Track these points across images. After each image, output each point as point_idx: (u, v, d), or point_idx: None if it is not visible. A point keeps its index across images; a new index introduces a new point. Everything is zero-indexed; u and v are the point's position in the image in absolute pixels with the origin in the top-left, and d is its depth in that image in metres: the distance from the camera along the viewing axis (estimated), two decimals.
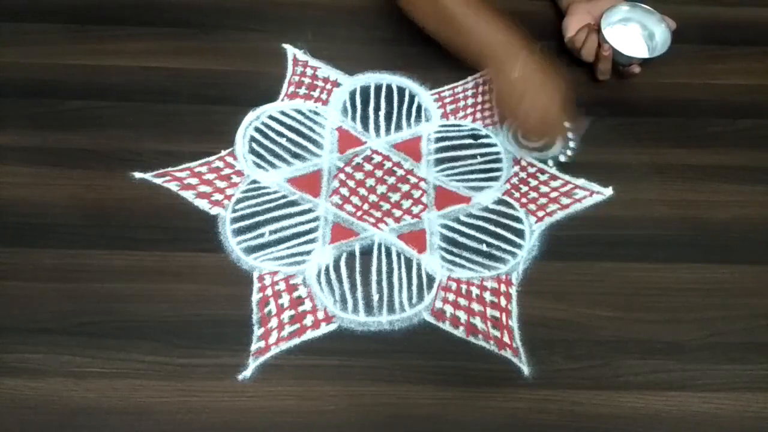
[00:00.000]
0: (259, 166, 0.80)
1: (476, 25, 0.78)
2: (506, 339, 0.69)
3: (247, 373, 0.66)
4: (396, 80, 0.88)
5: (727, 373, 0.68)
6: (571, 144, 0.83)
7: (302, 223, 0.75)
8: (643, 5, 0.87)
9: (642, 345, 0.69)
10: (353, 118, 0.85)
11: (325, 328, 0.69)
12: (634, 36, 0.88)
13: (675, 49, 0.85)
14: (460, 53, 0.81)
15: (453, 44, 0.81)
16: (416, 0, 0.82)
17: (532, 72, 0.76)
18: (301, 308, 0.70)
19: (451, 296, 0.72)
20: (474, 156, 0.82)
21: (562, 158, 0.82)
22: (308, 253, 0.74)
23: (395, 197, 0.78)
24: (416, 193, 0.79)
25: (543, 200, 0.79)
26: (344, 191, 0.78)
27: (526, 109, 0.76)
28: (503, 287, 0.72)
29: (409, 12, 0.84)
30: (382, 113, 0.85)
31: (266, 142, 0.82)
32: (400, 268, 0.73)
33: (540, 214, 0.77)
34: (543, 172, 0.81)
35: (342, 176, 0.79)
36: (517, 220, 0.77)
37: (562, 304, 0.72)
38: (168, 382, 0.65)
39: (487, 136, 0.84)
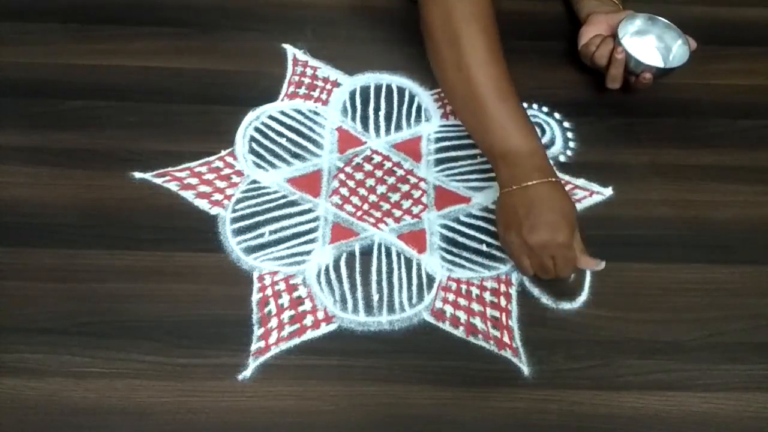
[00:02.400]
0: (259, 166, 0.80)
1: (501, 122, 0.69)
2: (506, 339, 0.69)
3: (247, 373, 0.66)
4: (396, 80, 0.88)
5: (727, 373, 0.68)
6: (571, 144, 0.83)
7: (302, 223, 0.75)
8: (662, 19, 0.86)
9: (642, 345, 0.69)
10: (353, 118, 0.85)
11: (325, 328, 0.69)
12: (651, 48, 0.86)
13: None
14: (474, 137, 0.73)
15: (472, 129, 0.73)
16: (450, 72, 0.72)
17: (544, 185, 0.68)
18: (301, 308, 0.70)
19: (451, 296, 0.72)
20: (474, 156, 0.82)
21: (562, 158, 0.82)
22: (308, 253, 0.74)
23: (395, 197, 0.78)
24: (416, 193, 0.79)
25: None
26: (344, 191, 0.78)
27: (532, 223, 0.66)
28: (503, 287, 0.72)
29: (438, 79, 0.75)
30: (382, 113, 0.85)
31: (266, 142, 0.82)
32: (400, 268, 0.73)
33: None
34: None
35: (342, 176, 0.79)
36: None
37: (562, 304, 0.72)
38: (168, 382, 0.65)
39: None
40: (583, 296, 0.72)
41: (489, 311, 0.71)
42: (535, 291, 0.72)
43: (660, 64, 0.85)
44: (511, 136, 0.69)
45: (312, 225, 0.75)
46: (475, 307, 0.71)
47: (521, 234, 0.67)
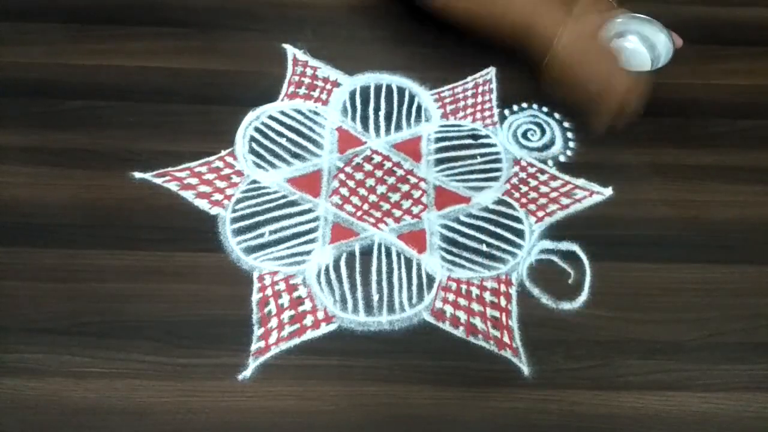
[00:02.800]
0: (259, 166, 0.80)
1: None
2: (506, 339, 0.69)
3: (247, 373, 0.66)
4: (396, 80, 0.88)
5: (727, 373, 0.68)
6: (571, 144, 0.83)
7: (302, 223, 0.76)
8: (642, 16, 0.83)
9: (642, 345, 0.70)
10: (353, 118, 0.85)
11: (325, 328, 0.69)
12: (636, 48, 0.85)
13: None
14: (493, 29, 0.75)
15: (486, 18, 0.75)
16: None
17: (582, 36, 0.71)
18: (301, 308, 0.70)
19: (451, 296, 0.72)
20: (474, 156, 0.82)
21: (562, 158, 0.82)
22: (308, 253, 0.74)
23: (395, 197, 0.78)
24: (416, 193, 0.79)
25: (543, 200, 0.79)
26: (344, 191, 0.78)
27: (587, 75, 0.71)
28: (503, 287, 0.73)
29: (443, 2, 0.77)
30: (382, 113, 0.85)
31: (266, 142, 0.82)
32: (400, 268, 0.73)
33: (540, 214, 0.77)
34: (543, 172, 0.81)
35: (342, 176, 0.79)
36: (517, 220, 0.77)
37: (562, 305, 0.72)
38: (168, 382, 0.65)
39: (487, 136, 0.84)
40: (583, 296, 0.72)
41: (489, 311, 0.71)
42: (535, 291, 0.72)
43: (644, 68, 0.84)
44: (528, 3, 0.72)
45: (312, 225, 0.76)
46: (475, 307, 0.71)
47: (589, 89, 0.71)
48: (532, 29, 0.73)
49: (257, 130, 0.82)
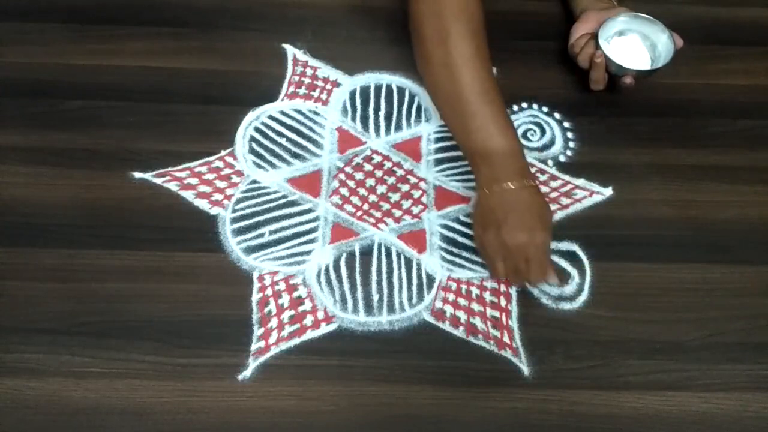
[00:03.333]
0: (259, 166, 0.80)
1: (485, 123, 0.68)
2: (506, 339, 0.69)
3: (247, 373, 0.66)
4: (396, 80, 0.88)
5: (727, 372, 0.68)
6: (571, 144, 0.83)
7: (302, 223, 0.76)
8: (645, 15, 0.84)
9: (642, 345, 0.70)
10: (353, 118, 0.85)
11: (325, 328, 0.69)
12: (637, 47, 0.85)
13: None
14: (456, 136, 0.72)
15: (454, 129, 0.72)
16: (435, 70, 0.71)
17: (523, 189, 0.68)
18: (301, 308, 0.70)
19: (451, 296, 0.72)
20: None
21: (562, 158, 0.82)
22: (308, 253, 0.74)
23: (395, 197, 0.78)
24: (416, 193, 0.79)
25: None
26: (344, 191, 0.78)
27: (511, 224, 0.67)
28: (503, 287, 0.72)
29: (423, 76, 0.75)
30: (382, 113, 0.85)
31: (266, 142, 0.82)
32: (400, 268, 0.73)
33: None
34: (543, 172, 0.81)
35: (342, 176, 0.79)
36: None
37: (562, 304, 0.72)
38: (168, 382, 0.65)
39: None
40: (583, 296, 0.72)
41: (489, 311, 0.71)
42: (535, 291, 0.72)
43: (643, 66, 0.83)
44: (493, 136, 0.69)
45: (312, 225, 0.76)
46: (475, 307, 0.71)
47: (500, 234, 0.68)
48: (475, 165, 0.70)
49: (257, 130, 0.82)
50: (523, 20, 0.95)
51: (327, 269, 0.73)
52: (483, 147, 0.69)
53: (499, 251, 0.69)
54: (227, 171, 0.79)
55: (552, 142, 0.83)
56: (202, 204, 0.76)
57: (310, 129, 0.83)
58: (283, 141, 0.82)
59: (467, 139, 0.71)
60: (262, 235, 0.74)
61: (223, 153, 0.80)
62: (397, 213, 0.77)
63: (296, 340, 0.68)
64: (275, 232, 0.75)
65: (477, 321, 0.70)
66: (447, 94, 0.72)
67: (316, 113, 0.85)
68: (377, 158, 0.81)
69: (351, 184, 0.79)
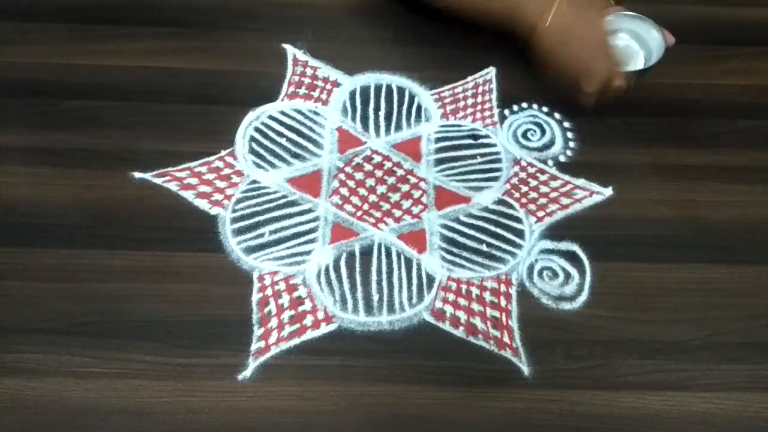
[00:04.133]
0: (259, 166, 0.80)
1: None
2: (506, 339, 0.69)
3: (247, 373, 0.66)
4: (396, 80, 0.88)
5: (727, 372, 0.68)
6: (571, 144, 0.83)
7: (302, 223, 0.76)
8: (635, 14, 0.83)
9: (642, 345, 0.70)
10: (353, 118, 0.85)
11: (325, 328, 0.69)
12: (628, 46, 0.84)
13: (675, 49, 0.85)
14: (484, 14, 0.78)
15: (473, 4, 0.78)
16: None
17: (567, 15, 0.75)
18: (301, 308, 0.70)
19: (451, 296, 0.72)
20: (474, 156, 0.82)
21: (562, 158, 0.82)
22: (308, 253, 0.74)
23: (395, 197, 0.78)
24: (416, 193, 0.79)
25: (543, 200, 0.79)
26: (344, 191, 0.78)
27: (572, 53, 0.74)
28: (503, 287, 0.72)
29: None
30: (382, 113, 0.85)
31: (266, 142, 0.82)
32: (400, 268, 0.73)
33: (540, 214, 0.77)
34: (543, 172, 0.81)
35: (342, 176, 0.79)
36: (517, 220, 0.77)
37: (562, 304, 0.72)
38: (168, 382, 0.65)
39: (487, 136, 0.84)
40: (583, 296, 0.72)
41: (489, 311, 0.71)
42: (535, 291, 0.72)
43: (635, 67, 0.83)
44: None
45: (312, 225, 0.76)
46: (475, 307, 0.71)
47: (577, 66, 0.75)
48: (519, 11, 0.76)
49: (257, 130, 0.82)
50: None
51: (327, 269, 0.73)
52: (510, 3, 0.75)
53: (600, 46, 0.75)
54: (227, 171, 0.79)
55: (552, 142, 0.83)
56: (202, 204, 0.76)
57: (310, 129, 0.83)
58: (283, 141, 0.82)
59: (495, 6, 0.77)
60: (262, 235, 0.74)
61: (223, 153, 0.80)
62: (397, 213, 0.77)
63: (296, 340, 0.68)
64: (275, 232, 0.75)
65: (477, 321, 0.70)
66: None
67: (316, 113, 0.85)
68: (377, 158, 0.81)
69: (351, 184, 0.79)
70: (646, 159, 0.83)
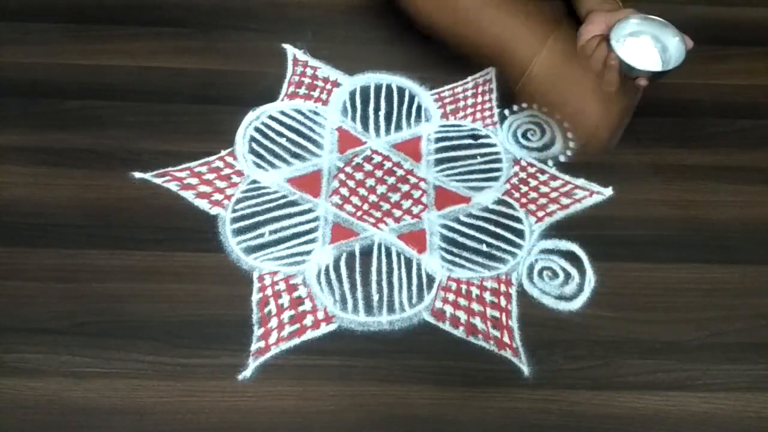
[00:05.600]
0: (259, 166, 0.80)
1: (493, 18, 0.74)
2: (506, 339, 0.69)
3: (247, 373, 0.66)
4: (396, 80, 0.88)
5: (727, 373, 0.68)
6: (571, 144, 0.83)
7: (302, 223, 0.75)
8: (657, 18, 0.83)
9: (642, 345, 0.70)
10: (353, 118, 0.85)
11: (325, 328, 0.69)
12: (647, 49, 0.85)
13: None
14: (472, 51, 0.77)
15: (463, 41, 0.77)
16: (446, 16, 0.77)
17: (559, 62, 0.73)
18: (301, 308, 0.70)
19: (451, 296, 0.72)
20: (474, 156, 0.82)
21: (562, 158, 0.82)
22: (308, 253, 0.74)
23: (395, 197, 0.78)
24: (416, 194, 0.79)
25: (543, 200, 0.79)
26: (344, 191, 0.78)
27: (559, 101, 0.73)
28: (503, 287, 0.72)
29: (412, 8, 0.80)
30: (382, 113, 0.85)
31: (266, 142, 0.82)
32: (400, 268, 0.73)
33: (540, 214, 0.77)
34: (543, 172, 0.81)
35: (342, 176, 0.79)
36: (517, 220, 0.77)
37: (562, 304, 0.72)
38: (168, 382, 0.65)
39: (487, 136, 0.84)
40: (583, 296, 0.72)
41: (489, 311, 0.71)
42: (535, 291, 0.72)
43: (655, 68, 0.83)
44: (506, 30, 0.75)
45: (312, 225, 0.75)
46: (475, 307, 0.71)
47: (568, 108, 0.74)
48: (508, 53, 0.75)
49: (257, 130, 0.82)
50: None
51: (327, 269, 0.73)
52: (500, 42, 0.75)
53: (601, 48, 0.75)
54: (227, 171, 0.79)
55: (552, 142, 0.83)
56: (202, 204, 0.76)
57: (310, 129, 0.83)
58: (283, 141, 0.82)
59: (478, 41, 0.77)
60: (262, 235, 0.74)
61: (223, 153, 0.80)
62: (397, 213, 0.77)
63: (296, 340, 0.68)
64: (275, 232, 0.75)
65: (477, 321, 0.70)
66: (442, 7, 0.76)
67: (316, 113, 0.85)
68: (377, 158, 0.81)
69: (351, 184, 0.79)
70: (646, 159, 0.83)
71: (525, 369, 0.68)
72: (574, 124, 0.78)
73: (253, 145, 0.81)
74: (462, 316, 0.70)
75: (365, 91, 0.87)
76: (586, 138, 0.78)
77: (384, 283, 0.72)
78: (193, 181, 0.78)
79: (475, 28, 0.75)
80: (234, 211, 0.76)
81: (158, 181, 0.77)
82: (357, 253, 0.74)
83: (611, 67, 0.81)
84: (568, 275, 0.73)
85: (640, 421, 0.65)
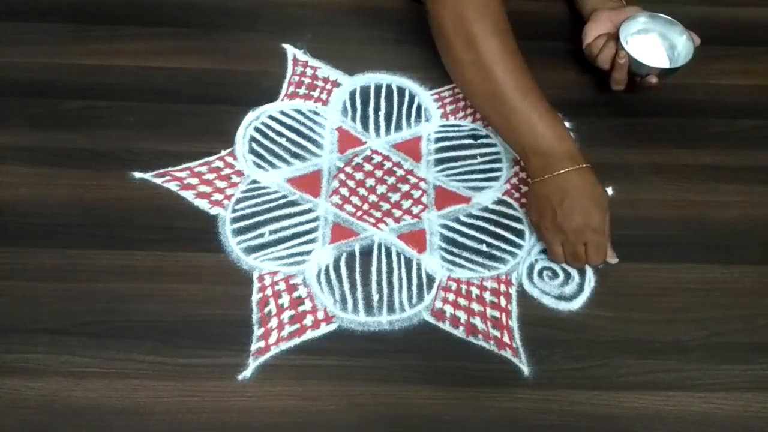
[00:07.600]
0: (259, 166, 0.80)
1: (526, 116, 0.70)
2: (506, 339, 0.69)
3: (247, 373, 0.66)
4: (396, 80, 0.88)
5: (727, 373, 0.68)
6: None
7: (302, 223, 0.76)
8: (664, 15, 0.84)
9: (642, 345, 0.69)
10: (353, 118, 0.85)
11: (325, 328, 0.69)
12: (655, 46, 0.85)
13: None
14: (499, 133, 0.75)
15: (496, 126, 0.75)
16: (468, 72, 0.73)
17: (575, 172, 0.70)
18: (301, 308, 0.70)
19: (451, 296, 0.72)
20: (474, 156, 0.82)
21: None
22: (308, 253, 0.74)
23: (395, 197, 0.78)
24: (416, 194, 0.79)
25: None
26: (344, 191, 0.78)
27: (566, 210, 0.69)
28: (503, 287, 0.72)
29: (456, 80, 0.78)
30: (382, 113, 0.85)
31: (266, 142, 0.82)
32: (400, 268, 0.73)
33: None
34: None
35: (342, 176, 0.79)
36: (517, 220, 0.77)
37: (562, 304, 0.72)
38: (168, 382, 0.65)
39: (487, 136, 0.84)
40: (583, 296, 0.72)
41: (489, 311, 0.71)
42: (535, 292, 0.72)
43: (664, 65, 0.84)
44: (537, 127, 0.71)
45: (312, 225, 0.76)
46: (475, 307, 0.71)
47: (556, 221, 0.70)
48: (525, 156, 0.72)
49: (257, 130, 0.82)
50: (523, 20, 0.94)
51: (327, 269, 0.73)
52: (527, 139, 0.71)
53: (557, 236, 0.71)
54: (227, 171, 0.79)
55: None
56: (202, 204, 0.76)
57: (310, 129, 0.83)
58: (283, 141, 0.82)
59: (511, 135, 0.73)
60: (262, 235, 0.74)
61: (223, 153, 0.80)
62: (397, 213, 0.77)
63: (296, 340, 0.68)
64: (275, 232, 0.75)
65: (477, 321, 0.70)
66: (484, 94, 0.73)
67: (316, 113, 0.85)
68: (377, 158, 0.81)
69: (351, 184, 0.79)
70: (646, 159, 0.83)
71: (525, 369, 0.68)
72: (572, 256, 0.73)
73: (253, 145, 0.81)
74: (462, 316, 0.70)
75: (365, 91, 0.87)
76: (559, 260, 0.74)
77: (384, 283, 0.72)
78: (193, 181, 0.78)
79: (506, 116, 0.72)
80: (234, 211, 0.76)
81: (158, 181, 0.77)
82: (357, 253, 0.74)
83: (621, 66, 0.81)
84: (568, 275, 0.73)
85: (640, 421, 0.65)
